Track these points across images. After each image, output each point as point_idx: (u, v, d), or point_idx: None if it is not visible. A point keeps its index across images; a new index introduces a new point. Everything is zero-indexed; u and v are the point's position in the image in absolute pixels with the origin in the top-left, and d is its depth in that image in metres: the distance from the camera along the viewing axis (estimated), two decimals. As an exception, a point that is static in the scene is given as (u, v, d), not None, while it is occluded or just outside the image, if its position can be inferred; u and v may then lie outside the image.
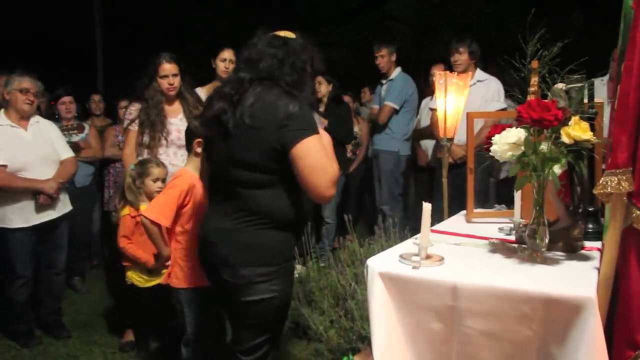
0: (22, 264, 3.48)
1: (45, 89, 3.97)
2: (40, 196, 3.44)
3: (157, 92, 3.45)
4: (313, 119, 2.00)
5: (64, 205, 3.66)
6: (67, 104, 4.79)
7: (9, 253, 3.46)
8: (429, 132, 4.95)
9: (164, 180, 3.26)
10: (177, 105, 3.54)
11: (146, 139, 3.41)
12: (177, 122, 3.48)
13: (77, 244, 4.54)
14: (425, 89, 5.41)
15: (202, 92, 3.95)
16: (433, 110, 4.35)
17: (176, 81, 3.47)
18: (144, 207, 3.22)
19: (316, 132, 1.95)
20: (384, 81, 5.44)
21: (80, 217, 4.49)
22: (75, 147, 4.16)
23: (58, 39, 14.20)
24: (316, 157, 1.90)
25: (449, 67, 4.47)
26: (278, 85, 2.00)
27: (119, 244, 3.30)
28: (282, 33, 2.14)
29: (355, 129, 5.86)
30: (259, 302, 2.02)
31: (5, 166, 3.35)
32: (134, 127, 3.46)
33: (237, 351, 2.13)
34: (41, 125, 3.63)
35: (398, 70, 5.37)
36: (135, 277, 3.33)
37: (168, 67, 3.43)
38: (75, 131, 4.36)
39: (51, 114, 4.71)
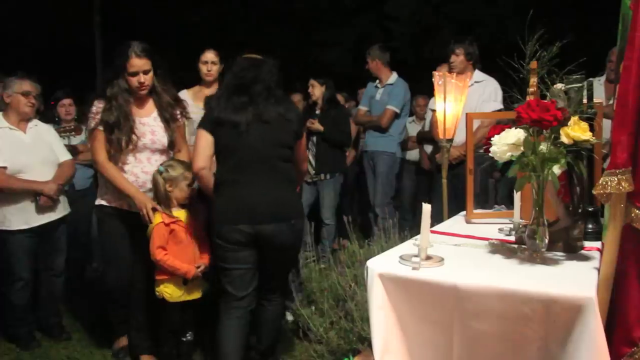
0: (22, 266, 3.48)
1: (44, 92, 3.98)
2: (41, 197, 3.44)
3: (122, 90, 3.01)
4: None
5: (63, 208, 3.67)
6: (66, 107, 4.78)
7: (8, 255, 3.46)
8: (431, 137, 4.98)
9: (190, 184, 3.08)
10: (150, 104, 3.14)
11: (113, 144, 3.02)
12: (150, 122, 3.11)
13: (77, 246, 4.53)
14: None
15: (188, 95, 3.89)
16: (433, 111, 4.36)
17: (148, 79, 3.02)
18: (179, 213, 3.08)
19: None
20: (379, 85, 5.47)
21: (80, 220, 4.49)
22: (73, 150, 4.16)
23: (58, 42, 14.23)
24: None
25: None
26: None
27: (154, 257, 2.98)
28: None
29: None
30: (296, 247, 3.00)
31: (5, 168, 3.36)
32: (102, 127, 3.03)
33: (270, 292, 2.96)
34: (40, 129, 3.64)
35: (395, 75, 5.42)
36: (167, 292, 3.04)
37: (138, 63, 2.97)
38: (73, 133, 4.36)
39: (51, 116, 4.71)
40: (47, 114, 4.80)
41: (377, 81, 5.50)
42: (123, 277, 3.20)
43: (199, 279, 3.12)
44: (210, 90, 3.89)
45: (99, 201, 3.20)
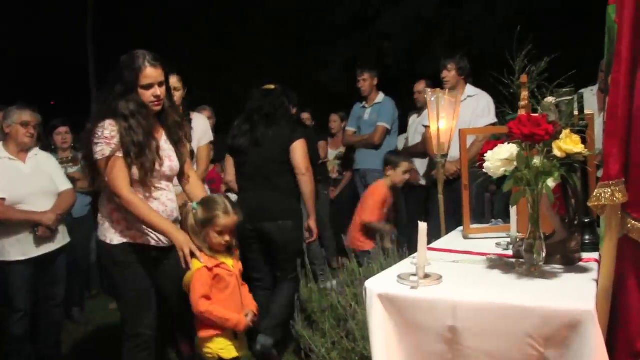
0: (20, 298, 3.46)
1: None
2: (39, 228, 3.43)
3: (140, 106, 2.57)
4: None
5: (63, 238, 3.65)
6: (63, 135, 4.82)
7: (7, 286, 3.44)
8: (418, 150, 4.99)
9: (231, 232, 2.59)
10: (157, 124, 2.74)
11: (136, 171, 2.56)
12: (163, 146, 2.72)
13: (76, 274, 4.51)
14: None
15: None
16: (426, 127, 4.38)
17: (163, 92, 2.63)
18: (226, 260, 2.61)
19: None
20: (366, 105, 5.52)
21: (78, 248, 4.49)
22: (71, 179, 4.17)
23: (51, 68, 14.30)
24: None
25: (435, 84, 4.51)
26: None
27: (197, 308, 2.48)
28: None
29: (342, 149, 5.95)
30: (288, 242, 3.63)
31: (3, 199, 3.36)
32: (121, 154, 2.55)
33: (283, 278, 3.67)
34: (39, 158, 3.64)
35: (382, 94, 5.49)
36: (221, 349, 2.57)
37: (153, 74, 2.57)
38: (71, 164, 4.37)
39: (47, 145, 4.73)
40: (43, 141, 4.82)
41: (364, 102, 5.55)
42: (154, 322, 2.73)
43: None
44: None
45: (119, 239, 2.63)
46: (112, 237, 2.63)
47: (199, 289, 2.49)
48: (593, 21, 3.11)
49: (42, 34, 13.55)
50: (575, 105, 2.08)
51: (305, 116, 6.01)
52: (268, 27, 13.11)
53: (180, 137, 2.81)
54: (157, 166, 2.62)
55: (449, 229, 2.94)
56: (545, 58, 2.06)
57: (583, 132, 1.99)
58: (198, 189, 2.92)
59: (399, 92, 5.99)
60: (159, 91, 2.60)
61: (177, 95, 3.60)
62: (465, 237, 2.55)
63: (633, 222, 1.66)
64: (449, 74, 4.44)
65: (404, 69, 10.58)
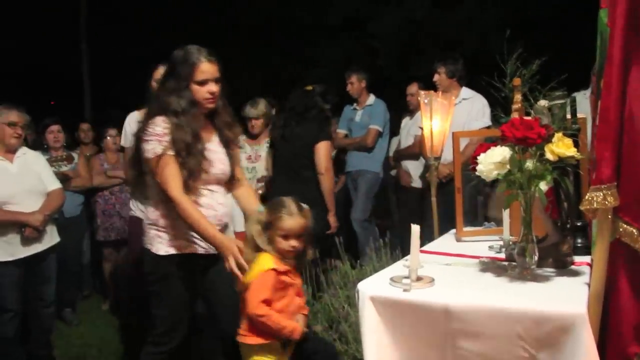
0: (9, 298, 3.42)
1: (33, 118, 3.96)
2: (26, 229, 3.39)
3: (191, 102, 2.43)
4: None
5: (51, 238, 3.62)
6: (55, 133, 4.78)
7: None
8: (410, 152, 5.00)
9: (300, 236, 2.34)
10: (208, 125, 2.58)
11: (183, 172, 2.40)
12: (215, 148, 2.56)
13: (67, 275, 4.48)
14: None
15: (139, 118, 3.27)
16: (421, 129, 4.39)
17: (218, 89, 2.48)
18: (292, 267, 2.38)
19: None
20: (357, 107, 5.50)
21: (70, 248, 4.45)
22: (64, 177, 4.14)
23: (45, 68, 14.25)
24: None
25: (428, 86, 4.52)
26: None
27: (255, 311, 2.24)
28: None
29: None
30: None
31: (-10, 199, 3.33)
32: (173, 152, 2.39)
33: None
34: (28, 157, 3.60)
35: (373, 96, 5.47)
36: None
37: (210, 69, 2.44)
38: (65, 162, 4.34)
39: (39, 144, 4.70)
40: (36, 140, 4.80)
41: (355, 104, 5.54)
42: (182, 336, 2.61)
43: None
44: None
45: (166, 249, 2.48)
46: (158, 246, 2.49)
47: (262, 291, 2.26)
48: (585, 24, 3.12)
49: (35, 33, 13.52)
50: (568, 108, 2.10)
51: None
52: (259, 28, 13.09)
53: (231, 139, 2.65)
54: (206, 168, 2.46)
55: (442, 232, 2.94)
56: (537, 61, 2.07)
57: (576, 135, 2.00)
58: (249, 193, 2.75)
59: (391, 93, 5.97)
60: (215, 88, 2.46)
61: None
62: (458, 240, 2.55)
63: (625, 225, 1.66)
64: (440, 77, 4.46)
65: (396, 71, 10.60)
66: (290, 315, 2.35)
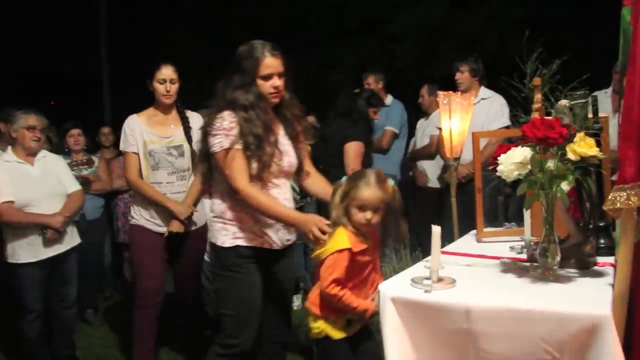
0: (33, 299, 3.48)
1: (54, 123, 4.02)
2: (47, 231, 3.45)
3: (259, 96, 2.42)
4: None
5: (72, 239, 3.67)
6: (75, 137, 4.84)
7: (19, 288, 3.47)
8: (426, 152, 4.99)
9: (376, 211, 2.22)
10: (275, 117, 2.55)
11: (254, 165, 2.38)
12: (282, 141, 2.53)
13: (89, 276, 4.54)
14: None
15: (140, 121, 3.42)
16: (439, 129, 4.38)
17: (282, 83, 2.47)
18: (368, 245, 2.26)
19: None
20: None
21: (91, 250, 4.51)
22: (84, 180, 4.20)
23: (66, 73, 14.45)
24: None
25: (447, 87, 4.50)
26: None
27: (327, 290, 2.19)
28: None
29: None
30: None
31: (12, 202, 3.39)
32: (240, 146, 2.37)
33: None
34: (48, 160, 3.66)
35: (391, 97, 5.42)
36: (330, 329, 2.30)
37: (273, 63, 2.43)
38: (85, 166, 4.40)
39: (60, 147, 4.77)
40: (57, 144, 4.87)
41: None
42: (253, 339, 2.51)
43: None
44: (170, 116, 3.49)
45: (231, 241, 2.45)
46: (224, 239, 2.46)
47: (334, 271, 2.19)
48: (607, 23, 3.09)
49: (55, 37, 13.71)
50: (590, 108, 2.07)
51: (311, 119, 6.01)
52: (277, 30, 13.15)
53: (298, 132, 2.61)
54: (276, 161, 2.44)
55: (460, 232, 2.93)
56: (557, 60, 2.06)
57: (597, 135, 1.98)
58: (319, 178, 2.71)
59: (409, 95, 5.94)
60: (279, 82, 2.45)
61: (174, 89, 3.45)
62: (479, 241, 2.54)
63: (649, 226, 1.64)
64: (462, 75, 4.42)
65: (414, 73, 10.56)
66: (365, 294, 2.27)
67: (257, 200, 2.34)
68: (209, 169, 2.52)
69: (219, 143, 2.38)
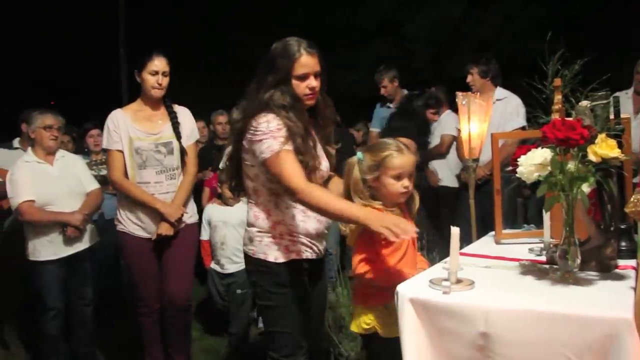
0: (53, 296, 3.54)
1: (73, 123, 4.07)
2: (68, 228, 3.51)
3: (295, 98, 2.22)
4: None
5: (92, 237, 3.73)
6: (94, 137, 4.90)
7: (40, 285, 3.54)
8: (437, 152, 5.00)
9: (411, 177, 2.18)
10: (309, 119, 2.36)
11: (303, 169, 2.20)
12: (318, 145, 2.39)
13: (106, 275, 4.59)
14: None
15: (126, 116, 3.27)
16: (459, 130, 4.37)
17: (318, 84, 2.28)
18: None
19: None
20: (391, 106, 5.41)
21: (109, 249, 4.55)
22: (103, 179, 4.24)
23: (83, 73, 14.60)
24: None
25: (465, 88, 4.48)
26: None
27: (356, 272, 2.19)
28: None
29: None
30: None
31: (33, 201, 3.45)
32: (290, 147, 2.17)
33: None
34: (67, 160, 3.73)
35: (407, 93, 5.39)
36: (378, 322, 2.22)
37: (310, 62, 2.23)
38: (104, 165, 4.44)
39: (80, 147, 4.83)
40: (78, 144, 4.94)
41: (389, 102, 5.45)
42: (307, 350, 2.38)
43: None
44: (157, 111, 3.31)
45: (286, 256, 2.28)
46: (276, 254, 2.27)
47: (361, 251, 2.17)
48: (626, 22, 3.06)
49: (74, 38, 13.87)
50: (611, 109, 2.05)
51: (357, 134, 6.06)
52: (294, 32, 13.17)
53: (330, 135, 2.44)
54: (318, 165, 2.27)
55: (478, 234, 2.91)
56: (579, 61, 2.04)
57: (619, 136, 1.96)
58: (339, 180, 2.52)
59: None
60: (315, 82, 2.25)
61: (165, 83, 3.27)
62: (497, 242, 2.52)
63: (671, 228, 1.62)
64: (472, 77, 4.45)
65: (432, 72, 10.52)
66: (408, 270, 2.17)
67: (319, 198, 2.09)
68: (237, 177, 2.35)
69: (268, 148, 2.15)
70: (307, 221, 2.28)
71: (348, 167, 2.27)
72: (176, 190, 3.30)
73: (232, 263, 4.07)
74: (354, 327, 2.32)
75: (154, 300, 3.36)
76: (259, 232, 2.30)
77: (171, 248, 3.35)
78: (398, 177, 2.15)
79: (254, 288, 2.42)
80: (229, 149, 2.42)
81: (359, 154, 2.25)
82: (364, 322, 2.24)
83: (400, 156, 2.15)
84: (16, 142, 4.53)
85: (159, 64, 3.21)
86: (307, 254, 2.32)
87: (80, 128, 5.00)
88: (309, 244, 2.31)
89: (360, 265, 2.16)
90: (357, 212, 2.08)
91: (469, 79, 4.46)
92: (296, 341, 2.30)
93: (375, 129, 5.56)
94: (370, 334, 2.24)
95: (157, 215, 3.23)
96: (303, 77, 2.22)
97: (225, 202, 4.14)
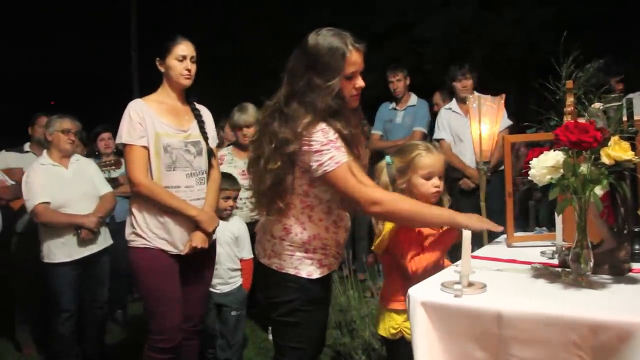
0: (67, 298, 3.58)
1: (86, 127, 4.13)
2: (82, 231, 3.55)
3: (343, 99, 2.03)
4: None
5: (105, 240, 3.77)
6: (105, 141, 4.96)
7: (54, 287, 3.57)
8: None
9: (441, 176, 2.18)
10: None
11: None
12: None
13: (119, 277, 4.61)
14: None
15: (150, 108, 2.80)
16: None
17: (362, 83, 2.10)
18: None
19: None
20: (397, 107, 5.35)
21: (121, 251, 4.57)
22: (114, 182, 4.28)
23: (95, 75, 14.71)
24: None
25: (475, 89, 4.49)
26: None
27: (410, 271, 2.14)
28: None
29: None
30: None
31: (48, 203, 3.49)
32: (352, 156, 2.04)
33: None
34: (81, 163, 3.79)
35: (415, 96, 5.35)
36: (405, 327, 2.20)
37: (358, 60, 2.03)
38: (113, 167, 4.49)
39: (91, 150, 4.88)
40: (88, 148, 4.98)
41: (394, 103, 5.38)
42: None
43: None
44: (181, 106, 2.88)
45: (320, 271, 2.16)
46: (311, 270, 2.14)
47: (410, 248, 2.14)
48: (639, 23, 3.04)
49: (85, 40, 13.98)
50: (624, 111, 2.04)
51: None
52: (306, 33, 13.20)
53: (362, 139, 2.21)
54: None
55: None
56: (594, 63, 2.02)
57: (632, 138, 1.94)
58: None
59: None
60: (362, 82, 2.06)
61: (194, 68, 2.90)
62: (509, 246, 2.51)
63: (686, 231, 1.61)
64: (467, 82, 4.76)
65: (444, 75, 10.50)
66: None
67: (407, 206, 1.98)
68: (276, 190, 2.08)
69: (330, 160, 1.97)
70: (338, 232, 2.19)
71: (378, 171, 2.21)
72: (205, 196, 2.86)
73: (224, 284, 3.61)
74: (381, 331, 2.29)
75: (177, 331, 2.77)
76: (291, 246, 2.14)
77: (197, 265, 2.89)
78: (428, 177, 2.15)
79: (272, 303, 2.20)
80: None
81: (388, 158, 2.21)
82: (392, 326, 2.22)
83: (429, 155, 2.15)
84: (27, 146, 4.59)
85: (185, 48, 2.82)
86: (335, 265, 2.26)
87: (91, 132, 5.04)
88: (337, 255, 2.23)
89: (412, 263, 2.12)
90: (453, 215, 2.03)
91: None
92: (308, 358, 2.23)
93: (377, 132, 5.36)
94: (396, 339, 2.22)
95: (188, 227, 2.76)
96: (351, 77, 2.03)
97: (219, 215, 3.24)
